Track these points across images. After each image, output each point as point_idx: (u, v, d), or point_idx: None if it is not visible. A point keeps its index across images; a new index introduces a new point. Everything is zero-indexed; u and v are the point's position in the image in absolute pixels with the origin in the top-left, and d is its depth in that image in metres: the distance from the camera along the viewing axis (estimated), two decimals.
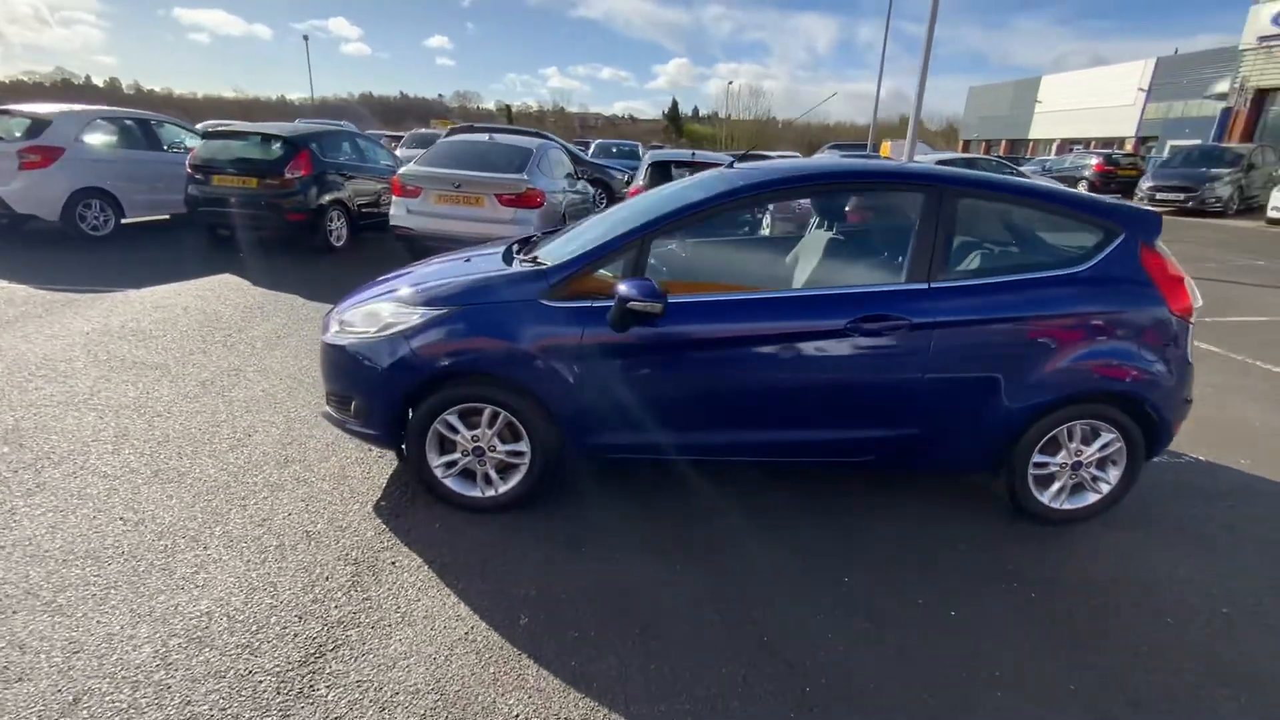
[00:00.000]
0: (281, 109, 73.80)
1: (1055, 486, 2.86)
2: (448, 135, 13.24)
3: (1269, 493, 3.31)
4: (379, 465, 3.14)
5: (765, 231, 4.15)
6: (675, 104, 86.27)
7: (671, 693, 1.93)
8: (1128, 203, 2.90)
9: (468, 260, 3.15)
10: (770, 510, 2.91)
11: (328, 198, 7.88)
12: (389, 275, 3.35)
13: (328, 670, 1.95)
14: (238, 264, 7.16)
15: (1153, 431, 2.79)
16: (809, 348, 2.60)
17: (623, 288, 2.44)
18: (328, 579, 2.34)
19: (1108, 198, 3.08)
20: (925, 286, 2.61)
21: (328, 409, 2.95)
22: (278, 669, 1.93)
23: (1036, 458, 2.80)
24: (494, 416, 2.67)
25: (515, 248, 3.38)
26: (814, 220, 3.58)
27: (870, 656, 2.11)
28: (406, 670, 1.96)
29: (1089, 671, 2.09)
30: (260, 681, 1.89)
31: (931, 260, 2.62)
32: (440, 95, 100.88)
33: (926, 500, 3.07)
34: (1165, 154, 18.51)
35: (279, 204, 7.51)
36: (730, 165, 3.27)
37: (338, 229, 8.18)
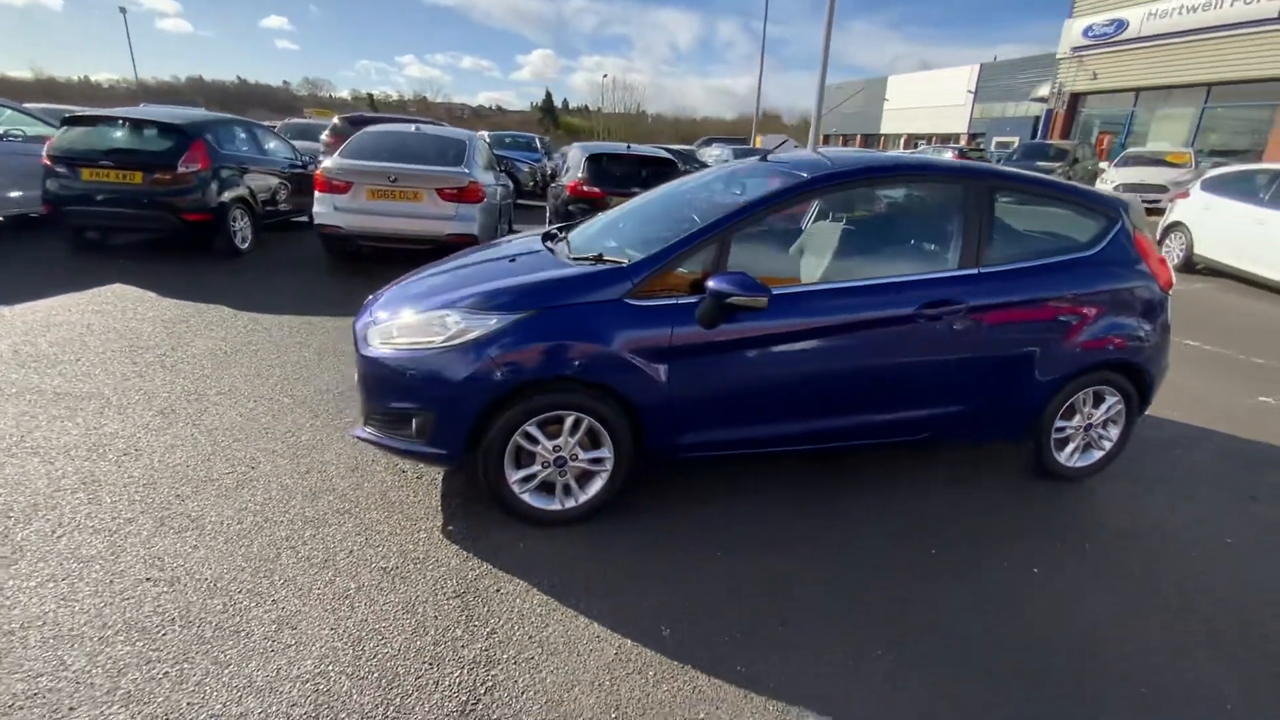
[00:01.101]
0: (93, 93, 64.02)
1: (1070, 448, 3.20)
2: (344, 126, 12.24)
3: (1201, 438, 3.90)
4: (420, 485, 2.88)
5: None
6: (549, 96, 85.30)
7: (845, 676, 1.95)
8: (1115, 194, 3.28)
9: (512, 260, 2.95)
10: (827, 496, 3.01)
11: (229, 195, 6.99)
12: (408, 279, 3.07)
13: (493, 717, 1.77)
14: (126, 272, 6.17)
15: (1145, 393, 3.20)
16: (882, 334, 2.71)
17: (718, 283, 2.41)
18: (437, 617, 2.12)
19: (1094, 189, 3.47)
20: (976, 272, 2.81)
21: (368, 430, 2.65)
22: None
23: (1058, 423, 3.11)
24: (576, 423, 2.54)
25: (545, 240, 3.23)
26: (813, 212, 3.71)
27: (977, 617, 2.26)
28: (577, 702, 1.84)
29: (1162, 613, 2.37)
30: None
31: (979, 247, 2.83)
32: (286, 82, 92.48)
33: (955, 474, 3.31)
34: (1009, 150, 20.97)
35: (172, 202, 6.55)
36: (763, 159, 3.30)
37: (242, 230, 7.29)
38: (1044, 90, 23.36)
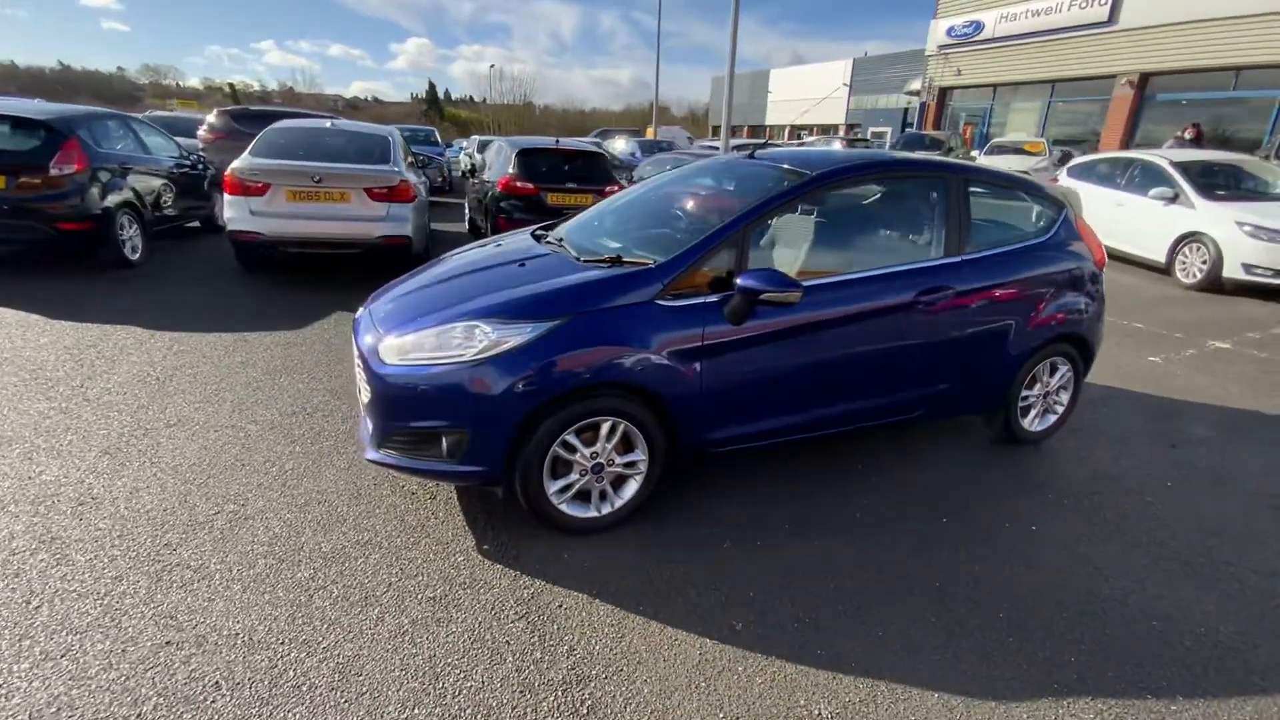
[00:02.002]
0: None
1: (1032, 414, 3.55)
2: (226, 121, 11.16)
3: (1113, 396, 4.43)
4: (436, 506, 2.74)
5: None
6: (433, 87, 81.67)
7: (911, 642, 2.08)
8: (1059, 184, 3.63)
9: (521, 265, 2.84)
10: (829, 481, 3.17)
11: (113, 200, 6.19)
12: (401, 288, 2.90)
13: None
14: None
15: (1089, 360, 3.61)
16: (886, 321, 2.87)
17: (749, 281, 2.46)
18: (509, 642, 2.04)
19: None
20: (959, 260, 3.04)
21: (386, 453, 2.49)
22: None
23: (1023, 392, 3.44)
24: (612, 428, 2.51)
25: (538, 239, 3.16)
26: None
27: (999, 571, 2.47)
28: (680, 708, 1.84)
29: (1141, 551, 2.70)
30: None
31: (960, 237, 3.06)
32: (121, 69, 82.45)
33: (932, 448, 3.58)
34: (894, 140, 22.54)
35: (43, 209, 5.71)
36: (751, 155, 3.38)
37: (132, 239, 6.49)
38: (916, 84, 25.27)
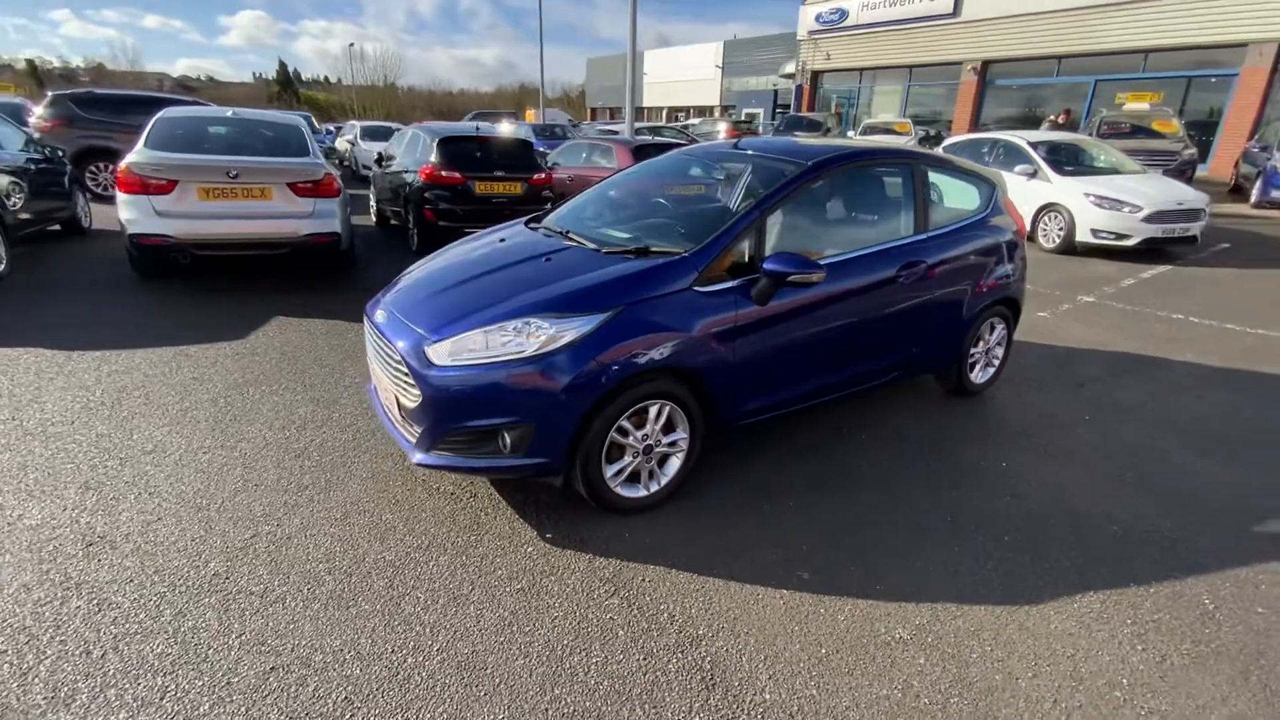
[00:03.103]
0: None
1: (977, 368, 4.08)
2: (67, 106, 9.81)
3: (1023, 348, 5.15)
4: (477, 503, 2.75)
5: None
6: (284, 66, 74.73)
7: (946, 567, 2.42)
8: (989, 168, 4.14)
9: (547, 259, 2.87)
10: (823, 442, 3.50)
11: None
12: (428, 289, 2.84)
13: (733, 683, 1.92)
14: None
15: (1018, 318, 4.19)
16: (878, 294, 3.20)
17: (776, 265, 2.67)
18: (614, 618, 2.15)
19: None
20: (926, 237, 3.44)
21: (439, 455, 2.48)
22: None
23: (971, 350, 3.95)
24: (659, 411, 2.65)
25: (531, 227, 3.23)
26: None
27: (993, 503, 2.91)
28: (788, 651, 2.05)
29: (1091, 474, 3.25)
30: None
31: (925, 216, 3.46)
32: None
33: (898, 405, 4.02)
34: (774, 121, 23.66)
35: None
36: (735, 146, 3.58)
37: None
38: (790, 67, 26.66)
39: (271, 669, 1.88)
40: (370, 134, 16.28)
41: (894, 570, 2.44)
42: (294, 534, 2.49)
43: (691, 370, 2.63)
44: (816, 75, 25.33)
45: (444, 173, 7.19)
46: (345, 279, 6.36)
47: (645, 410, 2.61)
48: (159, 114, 6.06)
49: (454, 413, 2.43)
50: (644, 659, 1.99)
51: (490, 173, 7.39)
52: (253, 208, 5.52)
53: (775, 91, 46.16)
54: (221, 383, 3.83)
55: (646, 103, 58.65)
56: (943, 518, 2.79)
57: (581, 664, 1.96)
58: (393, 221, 9.13)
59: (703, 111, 51.60)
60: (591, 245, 2.97)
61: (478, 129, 8.00)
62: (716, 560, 2.46)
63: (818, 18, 24.10)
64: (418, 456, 2.53)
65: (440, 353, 2.44)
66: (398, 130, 14.38)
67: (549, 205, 7.88)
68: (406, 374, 2.50)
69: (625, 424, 2.57)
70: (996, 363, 4.18)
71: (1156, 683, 1.97)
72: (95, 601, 2.10)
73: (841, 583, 2.36)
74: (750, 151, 3.47)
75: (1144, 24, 16.75)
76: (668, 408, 2.66)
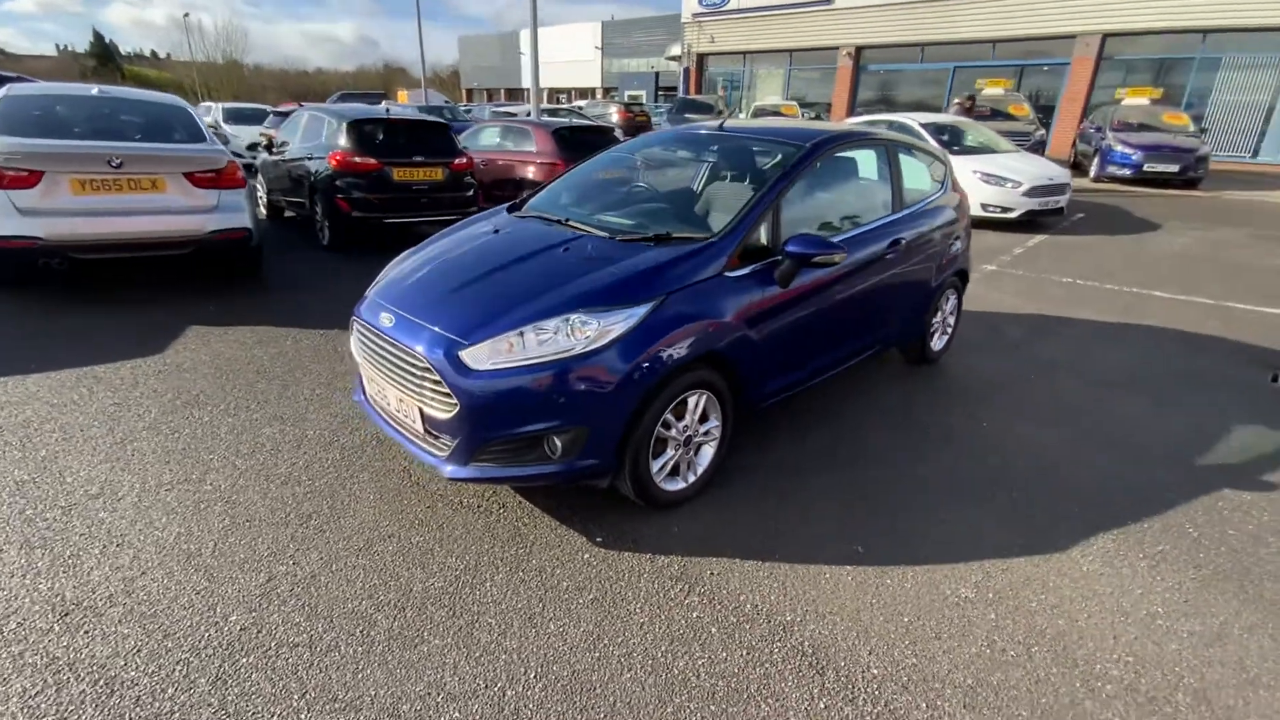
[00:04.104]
0: None
1: (935, 337, 4.36)
2: None
3: (975, 315, 5.57)
4: (510, 513, 2.58)
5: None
6: (99, 37, 65.08)
7: (967, 521, 2.58)
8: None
9: (564, 249, 2.69)
10: (817, 421, 3.62)
11: None
12: (442, 288, 2.58)
13: (867, 676, 1.94)
14: None
15: (966, 287, 4.51)
16: (873, 270, 3.31)
17: (799, 247, 2.68)
18: (698, 615, 2.10)
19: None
20: (903, 214, 3.60)
21: (480, 466, 2.30)
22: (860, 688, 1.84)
23: (931, 320, 4.21)
24: (698, 400, 2.60)
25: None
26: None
27: (988, 459, 3.14)
28: (872, 622, 2.10)
29: (1051, 428, 3.58)
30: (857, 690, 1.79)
31: (901, 196, 3.62)
32: None
33: (871, 380, 4.23)
34: (668, 104, 23.82)
35: None
36: (720, 128, 3.53)
37: None
38: (676, 50, 26.91)
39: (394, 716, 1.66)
40: (236, 117, 14.62)
41: (928, 536, 2.56)
42: (317, 571, 2.21)
43: (726, 357, 2.59)
44: (702, 58, 25.79)
45: (357, 159, 6.60)
46: (252, 280, 5.70)
47: (685, 401, 2.55)
48: (0, 92, 5.06)
49: (497, 421, 2.24)
50: (746, 653, 1.96)
51: (409, 158, 6.87)
52: (143, 202, 4.77)
53: (656, 74, 46.54)
54: (154, 406, 3.31)
55: (526, 84, 57.15)
56: (948, 483, 2.96)
57: (689, 668, 1.90)
58: (288, 214, 8.30)
59: (585, 93, 51.09)
60: (601, 233, 2.84)
61: (388, 111, 7.39)
62: (769, 544, 2.47)
63: (701, 0, 24.48)
64: (450, 470, 2.33)
65: (478, 357, 2.24)
66: (275, 114, 13.07)
67: (472, 191, 7.52)
68: (436, 383, 2.27)
69: (668, 416, 2.50)
70: (950, 331, 4.50)
71: (1182, 607, 2.22)
72: (101, 682, 1.75)
73: (893, 552, 2.45)
74: (739, 134, 3.46)
75: (992, 16, 18.51)
76: (705, 396, 2.61)
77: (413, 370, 2.36)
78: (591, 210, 3.24)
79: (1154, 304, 5.86)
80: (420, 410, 2.38)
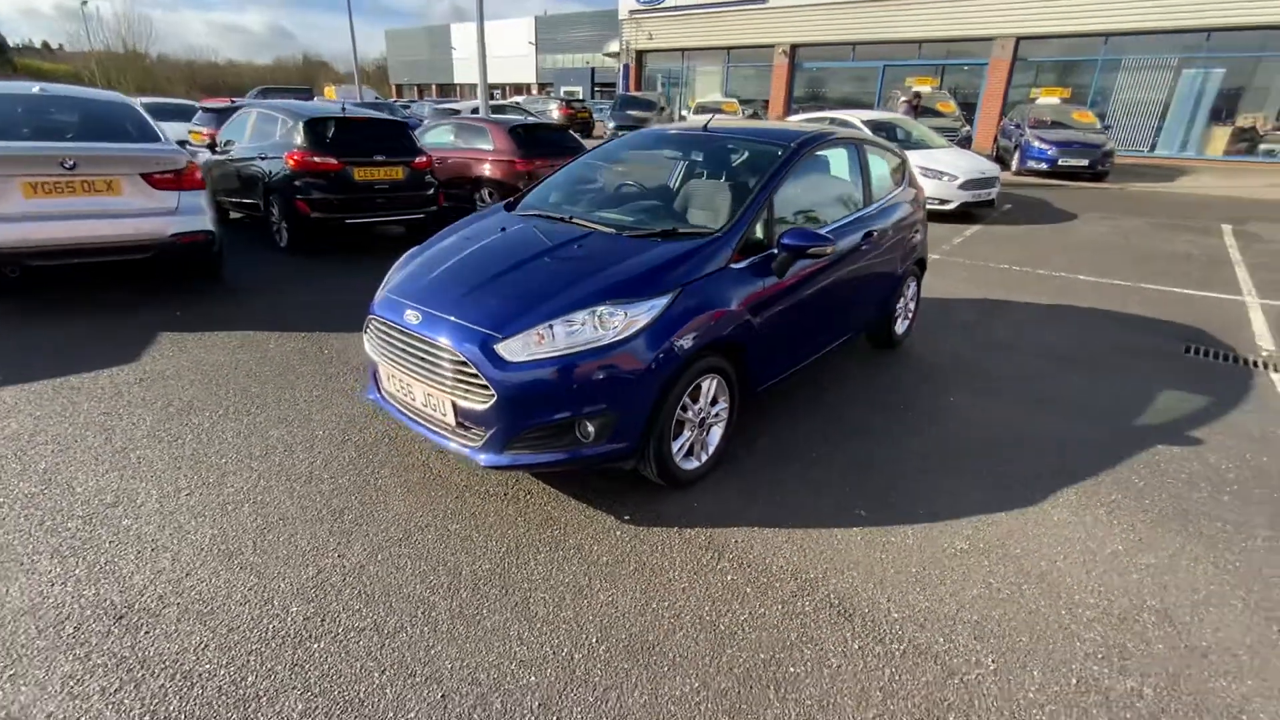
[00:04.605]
0: None
1: (899, 321, 4.70)
2: None
3: (928, 300, 5.98)
4: (536, 499, 2.71)
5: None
6: None
7: (952, 486, 2.88)
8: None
9: (579, 245, 2.82)
10: (810, 402, 3.88)
11: None
12: (465, 285, 2.66)
13: (889, 619, 2.17)
14: None
15: (923, 275, 4.88)
16: (852, 259, 3.58)
17: (794, 240, 2.90)
18: (733, 580, 2.29)
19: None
20: (874, 208, 3.89)
21: (515, 453, 2.43)
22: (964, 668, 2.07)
23: (896, 306, 4.55)
24: (710, 384, 2.78)
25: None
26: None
27: (971, 431, 3.47)
28: (890, 572, 2.34)
29: (1011, 402, 3.96)
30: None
31: (870, 190, 3.91)
32: None
33: (839, 364, 4.53)
34: (609, 101, 23.91)
35: None
36: (705, 128, 3.72)
37: None
38: (614, 46, 27.01)
39: (443, 696, 1.77)
40: (156, 113, 13.73)
41: (920, 499, 2.84)
42: (365, 562, 2.28)
43: (734, 343, 2.79)
44: (641, 55, 26.00)
45: (317, 159, 6.46)
46: (213, 284, 5.53)
47: (699, 385, 2.74)
48: None
49: (533, 409, 2.37)
50: (781, 608, 2.17)
51: (370, 157, 6.77)
52: (99, 204, 4.58)
53: (592, 70, 46.43)
54: (147, 415, 3.24)
55: (458, 79, 55.99)
56: (930, 452, 3.26)
57: (734, 623, 2.09)
58: (234, 215, 8.02)
59: (519, 89, 50.47)
60: (608, 229, 2.99)
61: (343, 109, 7.23)
62: (781, 514, 2.69)
63: None
64: (485, 458, 2.43)
65: (513, 349, 2.35)
66: (205, 110, 12.44)
67: (434, 190, 7.45)
68: (472, 375, 2.37)
69: (685, 400, 2.68)
70: (911, 316, 4.86)
71: (1138, 544, 2.57)
72: (178, 676, 1.79)
73: (891, 514, 2.71)
74: (726, 135, 3.66)
75: (918, 18, 19.48)
76: (716, 381, 2.81)
77: (445, 364, 2.45)
78: (591, 208, 3.38)
79: (1081, 287, 6.45)
80: (453, 403, 2.47)
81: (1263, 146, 17.19)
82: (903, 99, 14.90)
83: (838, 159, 3.88)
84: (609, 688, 1.83)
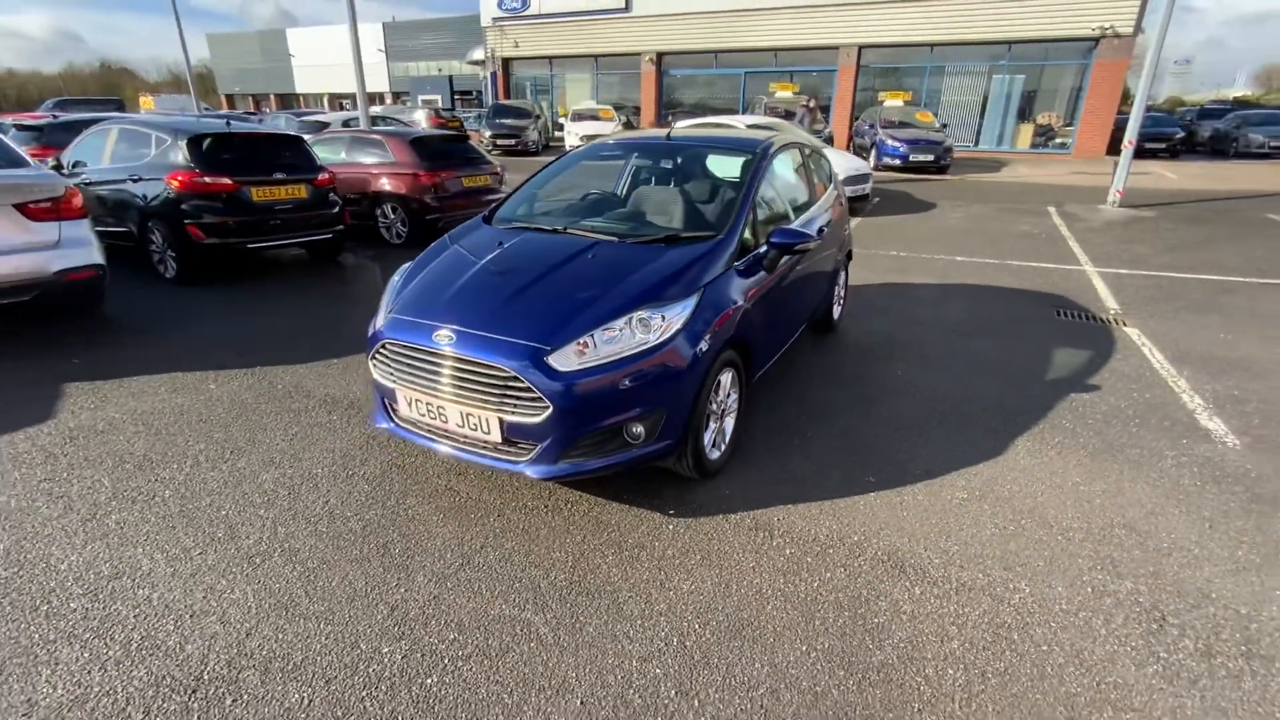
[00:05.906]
0: None
1: (836, 307, 5.15)
2: None
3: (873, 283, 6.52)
4: (576, 507, 2.74)
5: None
6: None
7: (963, 450, 3.27)
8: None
9: (591, 255, 2.86)
10: (784, 389, 4.18)
11: None
12: (493, 302, 2.64)
13: (932, 563, 2.44)
14: None
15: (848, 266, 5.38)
16: (813, 253, 3.90)
17: (783, 238, 3.15)
18: (791, 553, 2.47)
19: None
20: (820, 204, 4.26)
21: (570, 462, 2.46)
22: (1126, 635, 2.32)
23: (835, 294, 4.99)
24: (728, 378, 2.95)
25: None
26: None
27: (937, 401, 3.91)
28: (919, 528, 2.64)
29: (956, 370, 4.49)
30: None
31: (814, 189, 4.27)
32: None
33: (801, 351, 4.89)
34: (485, 109, 23.35)
35: None
36: (668, 137, 3.87)
37: None
38: (479, 54, 26.47)
39: (582, 702, 1.80)
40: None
41: (912, 459, 3.20)
42: (436, 592, 2.21)
43: (743, 337, 2.98)
44: (507, 62, 25.70)
45: (208, 179, 5.87)
46: (99, 324, 4.88)
47: (719, 379, 2.90)
48: None
49: (589, 416, 2.41)
50: (844, 570, 2.38)
51: (269, 176, 6.25)
52: None
53: (450, 78, 45.03)
54: (101, 476, 2.87)
55: (300, 89, 52.02)
56: (902, 419, 3.66)
57: (810, 591, 2.27)
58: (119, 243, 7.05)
59: (372, 98, 47.75)
60: (609, 237, 3.07)
61: (228, 124, 6.58)
62: (801, 490, 2.92)
63: (500, 4, 24.35)
64: (537, 470, 2.44)
65: (565, 359, 2.38)
66: (19, 128, 10.66)
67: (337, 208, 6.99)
68: (523, 389, 2.37)
69: (711, 393, 2.83)
70: (842, 301, 5.33)
71: (1089, 476, 3.07)
72: None
73: (895, 477, 3.03)
74: (693, 143, 3.85)
75: (772, 28, 20.95)
76: (731, 373, 2.98)
77: (491, 381, 2.42)
78: (579, 218, 3.43)
79: (961, 266, 7.35)
80: (500, 420, 2.45)
81: (1056, 140, 20.33)
82: (802, 104, 15.97)
83: (792, 161, 4.21)
84: (731, 664, 1.95)
